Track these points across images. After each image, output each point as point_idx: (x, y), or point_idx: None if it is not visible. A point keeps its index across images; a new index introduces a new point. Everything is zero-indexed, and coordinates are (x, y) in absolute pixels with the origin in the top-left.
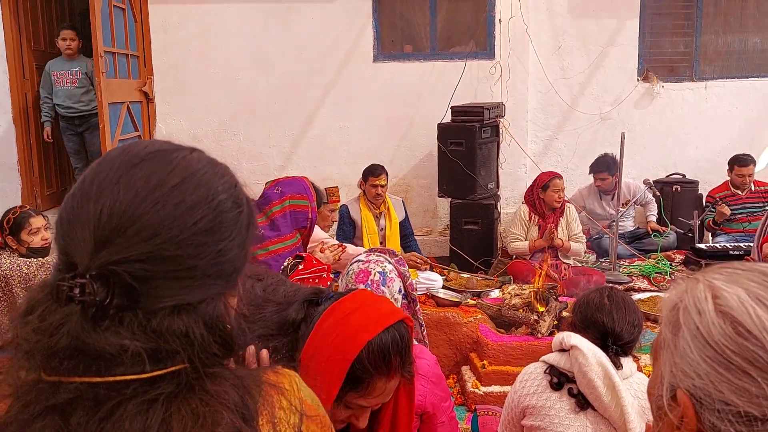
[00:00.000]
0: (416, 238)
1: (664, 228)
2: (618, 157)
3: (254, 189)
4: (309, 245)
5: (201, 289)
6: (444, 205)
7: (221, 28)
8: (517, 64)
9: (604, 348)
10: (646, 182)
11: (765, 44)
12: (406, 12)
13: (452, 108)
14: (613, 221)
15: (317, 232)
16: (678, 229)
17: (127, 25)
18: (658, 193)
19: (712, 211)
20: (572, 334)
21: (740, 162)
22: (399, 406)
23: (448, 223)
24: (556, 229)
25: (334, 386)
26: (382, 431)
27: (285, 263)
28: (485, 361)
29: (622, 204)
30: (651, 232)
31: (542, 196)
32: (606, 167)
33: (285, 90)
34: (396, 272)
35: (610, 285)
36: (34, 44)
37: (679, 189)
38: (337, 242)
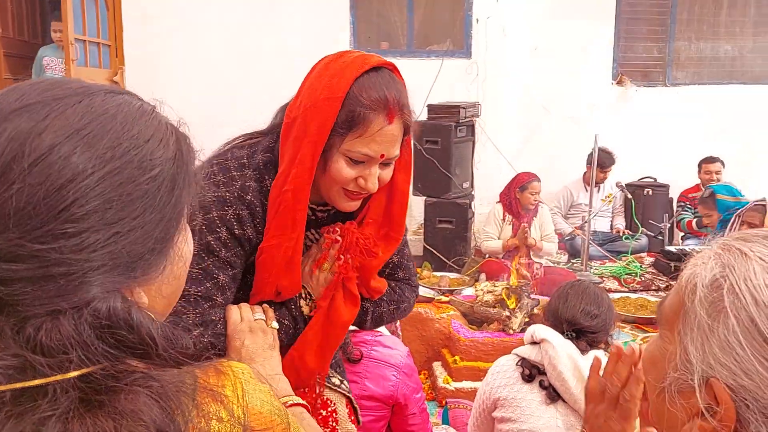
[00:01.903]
0: None
1: (627, 230)
2: (602, 156)
3: None
4: None
5: (85, 286)
6: (418, 203)
7: (203, 21)
8: (494, 65)
9: (564, 335)
10: (618, 185)
11: (736, 52)
12: (384, 9)
13: (428, 106)
14: (586, 222)
15: None
16: (649, 232)
17: (99, 14)
18: (629, 196)
19: (687, 210)
20: (543, 326)
21: (707, 159)
22: (395, 182)
23: (422, 221)
24: (530, 229)
25: (325, 127)
26: (376, 206)
27: None
28: (457, 357)
29: (605, 197)
30: (621, 235)
31: (519, 196)
32: (599, 162)
33: (264, 86)
34: None
35: (585, 278)
36: (2, 30)
37: (650, 192)
38: None
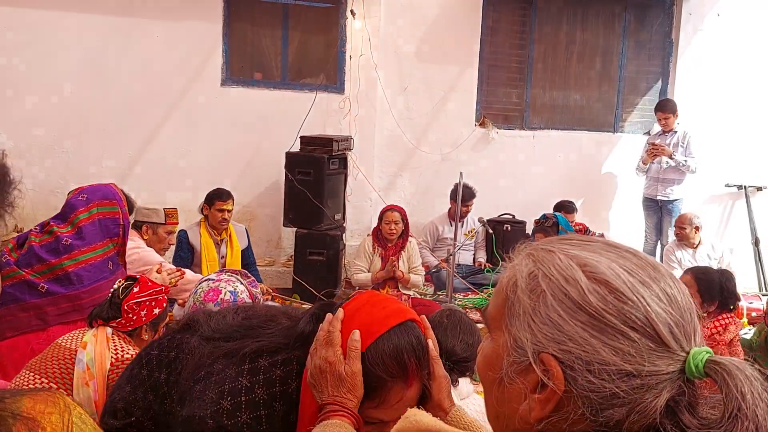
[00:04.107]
0: (258, 268)
1: (488, 264)
2: (463, 191)
3: None
4: (142, 268)
5: None
6: (289, 235)
7: (56, 37)
8: (366, 101)
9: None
10: (480, 220)
11: (584, 101)
12: (258, 40)
13: (301, 137)
14: (451, 255)
15: (153, 256)
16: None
17: None
18: (490, 231)
19: None
20: None
21: (566, 209)
22: None
23: (293, 253)
24: (398, 262)
25: None
26: None
27: (116, 285)
28: None
29: (468, 232)
30: (483, 268)
31: (381, 227)
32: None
33: (123, 107)
34: (247, 293)
35: (455, 306)
36: None
37: (509, 228)
38: (176, 267)
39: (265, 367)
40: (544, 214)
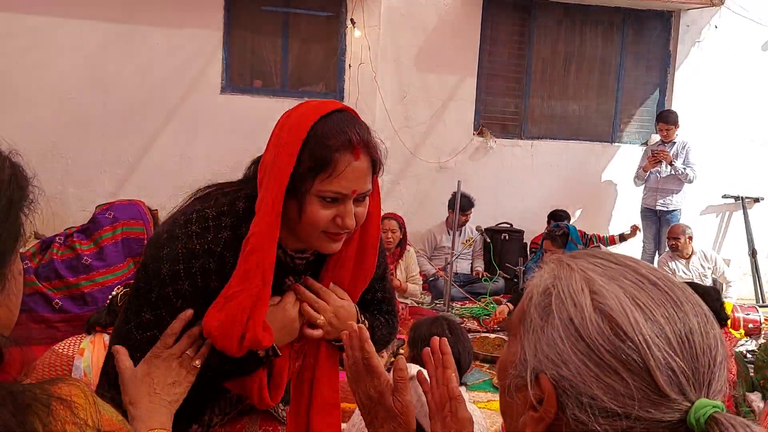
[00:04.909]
0: None
1: (485, 273)
2: (462, 201)
3: (81, 217)
4: None
5: None
6: None
7: (56, 42)
8: (365, 109)
9: None
10: (478, 229)
11: (582, 111)
12: (258, 47)
13: None
14: (449, 264)
15: None
16: (505, 275)
17: None
18: (488, 240)
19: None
20: (413, 365)
21: (559, 219)
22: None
23: None
24: (395, 270)
25: (287, 169)
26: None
27: (114, 292)
28: None
29: (465, 241)
30: (480, 277)
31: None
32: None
33: (122, 114)
34: None
35: (443, 315)
36: None
37: (506, 237)
38: None
39: (214, 196)
40: (557, 223)
